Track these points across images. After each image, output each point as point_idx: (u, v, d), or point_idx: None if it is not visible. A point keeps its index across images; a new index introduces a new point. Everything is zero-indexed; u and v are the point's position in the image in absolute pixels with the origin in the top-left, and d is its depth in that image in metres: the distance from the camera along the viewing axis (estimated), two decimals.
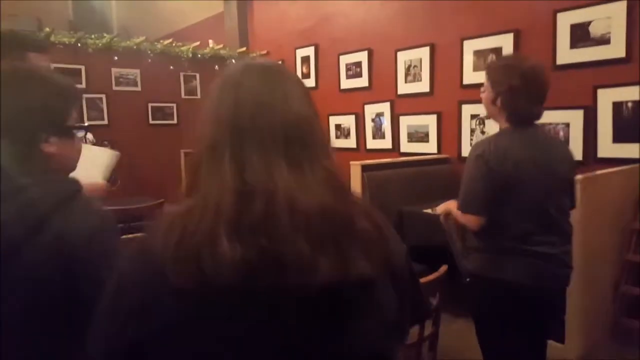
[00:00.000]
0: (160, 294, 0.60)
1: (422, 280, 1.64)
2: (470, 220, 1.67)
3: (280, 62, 0.81)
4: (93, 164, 1.78)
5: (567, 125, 3.16)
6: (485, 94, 1.73)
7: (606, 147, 2.99)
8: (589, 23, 2.99)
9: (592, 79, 3.01)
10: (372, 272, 0.64)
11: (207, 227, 0.60)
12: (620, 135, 2.92)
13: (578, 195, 2.11)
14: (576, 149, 3.11)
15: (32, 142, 0.92)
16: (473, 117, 3.69)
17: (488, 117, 1.85)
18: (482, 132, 3.63)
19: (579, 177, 2.28)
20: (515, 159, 1.60)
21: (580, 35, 3.03)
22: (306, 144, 0.67)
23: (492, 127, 3.54)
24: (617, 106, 2.91)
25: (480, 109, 3.57)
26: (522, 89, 1.62)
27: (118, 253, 0.88)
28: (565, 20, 3.09)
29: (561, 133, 3.19)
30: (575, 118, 3.11)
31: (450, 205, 1.84)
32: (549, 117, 3.21)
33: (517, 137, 1.66)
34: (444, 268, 1.74)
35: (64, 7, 8.65)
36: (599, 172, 2.65)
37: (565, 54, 3.11)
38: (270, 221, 0.61)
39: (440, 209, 1.94)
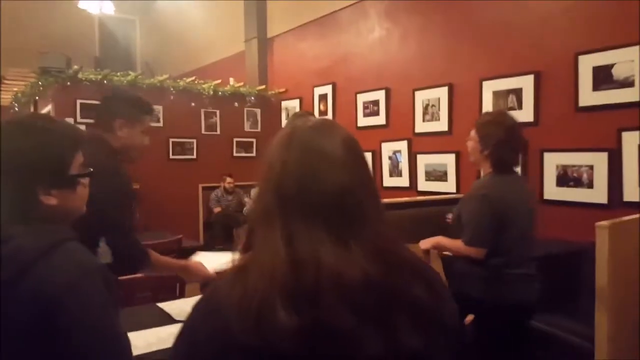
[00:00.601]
0: (229, 349, 0.64)
1: None
2: (477, 252, 1.92)
3: (330, 120, 0.80)
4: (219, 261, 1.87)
5: (591, 167, 3.09)
6: (472, 143, 2.04)
7: (633, 190, 2.91)
8: (611, 65, 2.96)
9: (616, 122, 2.96)
10: (424, 343, 0.66)
11: (264, 294, 0.64)
12: None
13: (606, 242, 2.09)
14: (601, 192, 3.04)
15: (30, 194, 0.91)
16: None
17: (472, 161, 2.13)
18: None
19: (605, 223, 2.21)
20: (510, 199, 1.94)
21: (603, 77, 3.01)
22: (349, 217, 0.68)
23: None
24: None
25: None
26: (507, 141, 1.95)
27: (99, 307, 0.87)
28: (587, 63, 3.07)
29: (585, 175, 3.12)
30: (599, 161, 3.05)
31: (441, 241, 2.07)
32: (571, 159, 3.18)
33: (508, 181, 2.00)
34: (470, 318, 1.67)
35: (90, 43, 9.01)
36: (626, 217, 2.56)
37: (588, 96, 3.08)
38: (319, 292, 0.63)
39: (428, 243, 2.10)
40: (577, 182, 3.16)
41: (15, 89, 5.93)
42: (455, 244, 1.99)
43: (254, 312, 0.63)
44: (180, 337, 0.71)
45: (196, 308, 0.71)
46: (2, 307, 0.82)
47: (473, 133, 2.03)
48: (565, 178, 3.22)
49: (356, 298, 0.63)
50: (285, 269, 0.64)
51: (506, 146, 1.94)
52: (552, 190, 3.29)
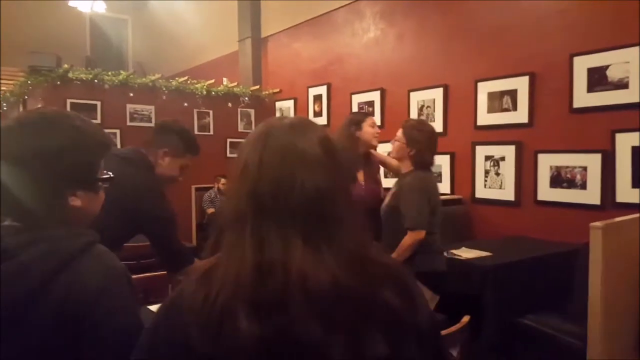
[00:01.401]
0: (187, 355, 0.63)
1: (443, 332, 1.56)
2: (419, 234, 2.26)
3: (306, 119, 0.77)
4: None
5: (585, 168, 3.10)
6: (398, 144, 2.38)
7: (625, 191, 2.92)
8: (606, 67, 2.98)
9: (610, 123, 2.97)
10: (394, 351, 0.64)
11: (227, 300, 0.62)
12: None
13: (599, 242, 2.13)
14: (594, 193, 3.05)
15: (58, 194, 0.89)
16: (487, 158, 3.65)
17: (395, 158, 2.48)
18: (497, 174, 3.58)
19: (599, 224, 2.21)
20: (435, 191, 2.40)
21: (598, 79, 3.02)
22: (325, 220, 0.66)
23: (507, 169, 3.50)
24: (636, 150, 2.86)
25: (495, 151, 3.58)
26: (428, 145, 2.36)
27: (128, 310, 0.87)
28: (582, 64, 3.08)
29: (578, 176, 3.13)
30: (592, 162, 3.06)
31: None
32: (565, 160, 3.19)
33: (430, 177, 2.44)
34: (466, 319, 1.66)
35: (82, 42, 8.92)
36: (619, 218, 2.57)
37: (583, 98, 3.09)
38: (285, 300, 0.61)
39: None
40: (571, 183, 3.17)
41: (4, 89, 5.86)
42: (401, 245, 2.24)
43: (215, 320, 0.61)
44: (143, 337, 0.70)
45: (160, 309, 0.70)
46: (31, 313, 0.80)
47: (400, 134, 2.37)
48: (559, 179, 3.23)
49: (325, 305, 0.61)
50: (252, 275, 0.62)
51: (427, 149, 2.35)
52: (545, 191, 3.30)
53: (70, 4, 7.49)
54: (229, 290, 0.62)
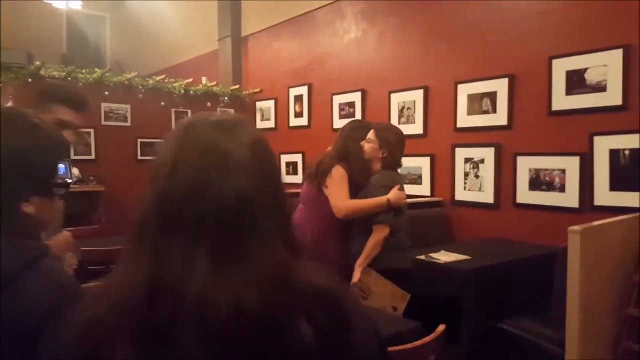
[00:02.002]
0: None
1: (418, 342, 1.52)
2: (385, 229, 2.33)
3: (239, 117, 0.67)
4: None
5: (563, 171, 3.10)
6: (371, 145, 2.43)
7: (603, 195, 2.92)
8: (584, 70, 2.98)
9: (588, 126, 2.98)
10: None
11: (108, 325, 0.54)
12: (618, 183, 2.86)
13: (577, 246, 2.13)
14: (572, 196, 3.05)
15: (12, 200, 0.80)
16: (467, 160, 3.64)
17: (367, 159, 2.48)
18: (477, 176, 3.57)
19: (577, 227, 2.20)
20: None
21: (576, 81, 3.02)
22: (241, 233, 0.56)
23: (486, 171, 3.49)
24: (614, 154, 2.86)
25: (474, 153, 3.56)
26: (399, 146, 2.47)
27: None
28: (561, 67, 3.08)
29: (557, 179, 3.13)
30: (571, 164, 3.06)
31: (361, 258, 2.33)
32: (544, 162, 3.19)
33: (398, 175, 2.53)
34: (441, 328, 1.61)
35: (58, 40, 8.70)
36: (597, 222, 2.56)
37: (561, 100, 3.09)
38: (174, 329, 0.51)
39: (357, 273, 2.30)
40: (549, 186, 3.16)
41: None
42: (370, 242, 2.31)
43: (89, 350, 0.53)
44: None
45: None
46: None
47: (373, 137, 2.43)
48: (538, 182, 3.22)
49: (222, 338, 0.51)
50: (141, 297, 0.53)
51: (398, 150, 2.45)
52: (524, 194, 3.29)
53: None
54: (113, 314, 0.53)
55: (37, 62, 4.61)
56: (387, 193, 2.36)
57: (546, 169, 3.18)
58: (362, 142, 2.46)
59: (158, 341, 0.51)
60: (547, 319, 2.46)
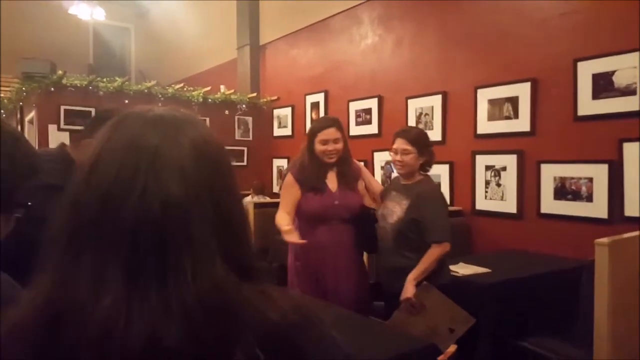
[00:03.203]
0: None
1: None
2: (446, 247, 2.15)
3: (182, 113, 0.55)
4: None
5: (590, 180, 2.93)
6: (412, 156, 2.24)
7: (634, 205, 2.74)
8: (612, 72, 2.81)
9: (617, 132, 2.80)
10: None
11: (9, 352, 0.45)
12: None
13: (605, 260, 1.98)
14: (600, 206, 2.87)
15: None
16: (488, 168, 3.49)
17: (405, 172, 2.29)
18: (498, 185, 3.42)
19: (604, 240, 2.06)
20: None
21: (603, 85, 2.85)
22: (167, 247, 0.45)
23: (509, 180, 3.33)
24: None
25: (496, 160, 3.42)
26: (432, 146, 2.34)
27: None
28: (587, 70, 2.92)
29: (584, 188, 2.96)
30: (599, 173, 2.88)
31: (416, 273, 2.12)
32: (570, 170, 3.02)
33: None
34: (452, 349, 1.50)
35: (84, 52, 8.93)
36: (628, 234, 2.39)
37: (587, 105, 2.93)
38: None
39: (409, 289, 2.10)
40: (576, 196, 2.99)
41: (2, 95, 5.84)
42: (429, 258, 2.13)
43: None
44: None
45: None
46: None
47: (407, 146, 2.23)
48: (563, 191, 3.06)
49: None
50: (39, 325, 0.44)
51: (432, 155, 2.33)
52: (549, 204, 3.12)
53: (71, 11, 7.50)
54: (8, 346, 0.45)
55: (60, 72, 4.70)
56: (444, 207, 2.27)
57: (572, 178, 3.01)
58: (395, 156, 2.28)
59: None
60: (572, 337, 2.31)
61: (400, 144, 2.25)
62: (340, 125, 2.45)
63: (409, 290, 2.10)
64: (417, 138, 2.27)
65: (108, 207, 0.46)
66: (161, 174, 0.47)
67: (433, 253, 2.15)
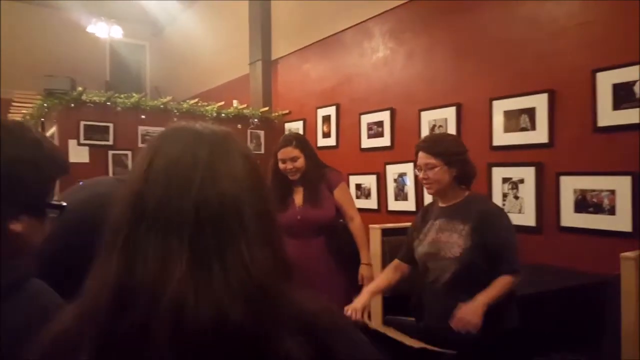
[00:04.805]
0: None
1: None
2: (518, 277, 1.81)
3: (229, 131, 0.64)
4: None
5: (612, 192, 2.84)
6: (437, 170, 1.86)
7: None
8: (633, 82, 2.74)
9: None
10: None
11: (74, 337, 0.49)
12: None
13: (632, 274, 1.93)
14: (624, 219, 2.77)
15: (0, 217, 0.75)
16: (505, 180, 3.42)
17: (435, 191, 1.94)
18: (516, 197, 3.33)
19: (630, 254, 1.98)
20: None
21: (624, 95, 2.78)
22: (225, 232, 0.50)
23: (527, 192, 3.25)
24: None
25: (513, 172, 3.34)
26: (466, 153, 1.94)
27: None
28: (606, 80, 2.85)
29: (605, 201, 2.86)
30: (621, 185, 2.79)
31: (486, 299, 1.68)
32: (591, 182, 2.93)
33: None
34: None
35: (101, 69, 9.11)
36: None
37: (608, 116, 2.85)
38: (144, 339, 0.45)
39: (478, 314, 1.65)
40: (598, 208, 2.90)
41: (23, 111, 5.96)
42: (502, 284, 1.75)
43: None
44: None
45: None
46: None
47: (431, 159, 1.88)
48: (584, 203, 2.96)
49: (201, 351, 0.45)
50: (108, 303, 0.48)
51: (468, 160, 1.95)
52: (569, 217, 3.03)
53: (89, 29, 7.68)
54: (78, 325, 0.50)
55: (80, 88, 4.79)
56: (514, 232, 1.91)
57: (593, 190, 2.92)
58: (420, 173, 1.94)
59: (126, 350, 0.46)
60: (597, 353, 2.21)
61: (422, 158, 1.91)
62: (300, 142, 2.54)
63: (477, 315, 1.64)
64: (441, 147, 1.90)
65: (170, 197, 0.51)
66: (216, 173, 0.53)
67: (506, 279, 1.76)
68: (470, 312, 1.64)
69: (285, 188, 2.49)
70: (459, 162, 1.89)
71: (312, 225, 2.44)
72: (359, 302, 1.90)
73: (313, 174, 2.52)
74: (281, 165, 2.48)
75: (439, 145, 1.90)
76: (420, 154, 1.92)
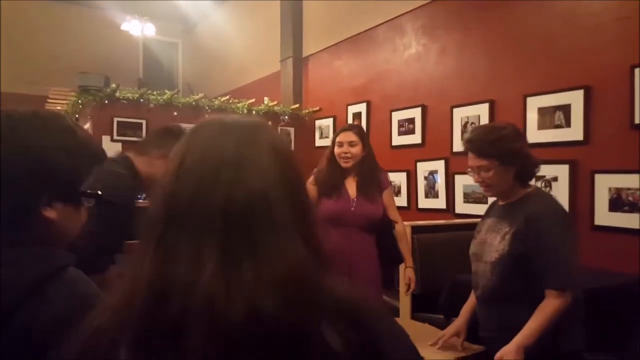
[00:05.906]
0: None
1: None
2: (568, 298, 1.52)
3: (258, 122, 0.63)
4: None
5: None
6: (492, 172, 1.63)
7: None
8: None
9: None
10: None
11: (113, 329, 0.51)
12: None
13: None
14: None
15: (33, 203, 0.76)
16: (538, 178, 3.38)
17: (494, 194, 1.74)
18: None
19: None
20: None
21: None
22: (254, 228, 0.51)
23: (560, 190, 3.22)
24: None
25: (546, 170, 3.30)
26: (526, 145, 1.69)
27: None
28: None
29: None
30: None
31: (525, 339, 1.49)
32: (627, 181, 2.88)
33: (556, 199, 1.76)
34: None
35: (135, 66, 9.35)
36: None
37: None
38: (179, 332, 0.47)
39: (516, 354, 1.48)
40: (634, 207, 2.85)
41: (58, 108, 6.18)
42: (544, 313, 1.50)
43: (96, 354, 0.51)
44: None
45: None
46: None
47: (483, 161, 1.63)
48: (619, 202, 2.92)
49: (235, 343, 0.46)
50: (144, 299, 0.49)
51: (529, 153, 1.67)
52: (604, 216, 2.99)
53: (123, 27, 7.90)
54: (118, 318, 0.51)
55: (113, 85, 4.95)
56: (571, 240, 1.62)
57: (629, 189, 2.87)
58: (474, 176, 1.71)
59: (163, 345, 0.48)
60: (630, 354, 2.19)
61: (472, 160, 1.66)
62: (360, 132, 2.55)
63: (510, 356, 1.46)
64: (493, 145, 1.62)
65: (200, 196, 0.52)
66: (243, 169, 0.53)
67: (549, 306, 1.50)
68: (507, 354, 1.48)
69: (338, 176, 2.47)
70: (517, 158, 1.62)
71: (364, 219, 2.42)
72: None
73: (367, 166, 2.52)
74: (337, 150, 2.46)
75: (491, 144, 1.62)
76: (470, 155, 1.67)
